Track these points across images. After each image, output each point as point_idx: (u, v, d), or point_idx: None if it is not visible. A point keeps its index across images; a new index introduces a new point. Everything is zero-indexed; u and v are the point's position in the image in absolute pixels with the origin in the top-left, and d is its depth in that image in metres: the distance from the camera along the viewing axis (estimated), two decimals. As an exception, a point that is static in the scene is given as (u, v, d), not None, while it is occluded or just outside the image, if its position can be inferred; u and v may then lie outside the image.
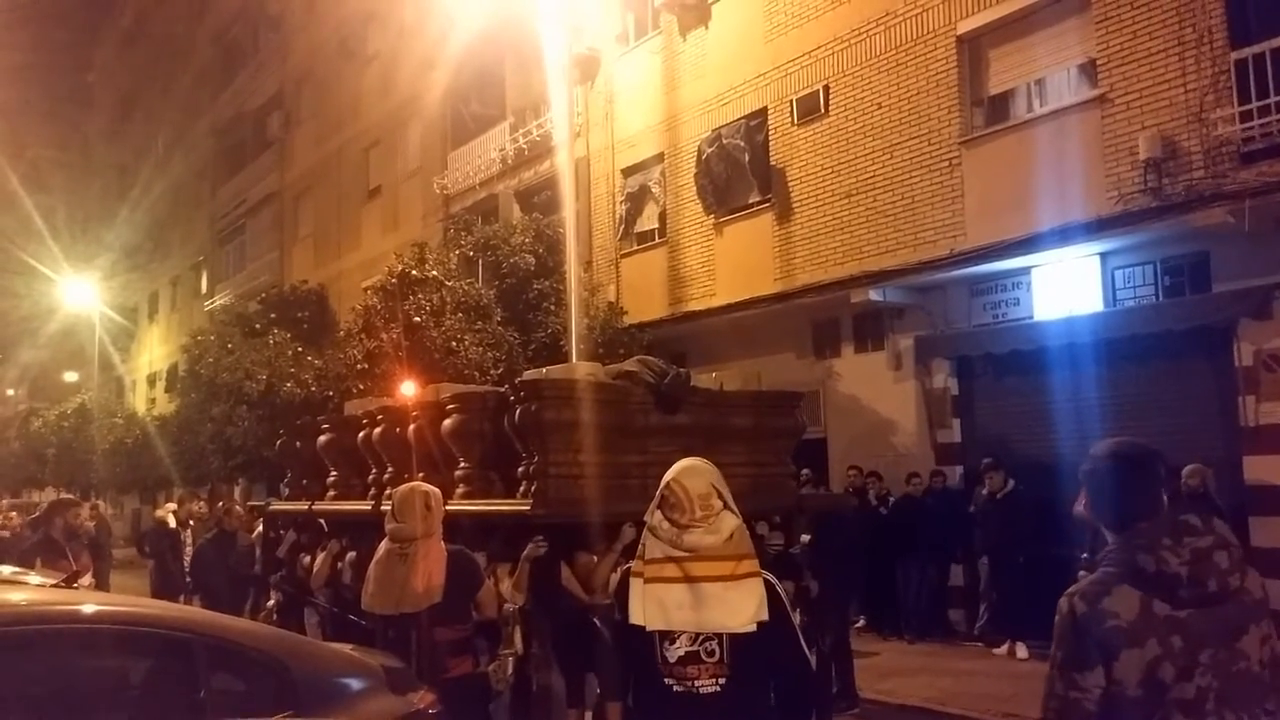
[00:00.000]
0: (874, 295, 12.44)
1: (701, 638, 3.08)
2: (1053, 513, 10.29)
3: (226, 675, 3.86)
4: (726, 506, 3.24)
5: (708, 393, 7.20)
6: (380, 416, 7.93)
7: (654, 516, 3.22)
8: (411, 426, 7.37)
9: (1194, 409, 10.11)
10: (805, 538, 7.65)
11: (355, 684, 4.15)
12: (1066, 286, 11.06)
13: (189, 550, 12.59)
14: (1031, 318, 11.42)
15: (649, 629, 3.11)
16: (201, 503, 14.97)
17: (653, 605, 3.12)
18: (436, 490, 5.19)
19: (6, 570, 6.68)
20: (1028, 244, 10.90)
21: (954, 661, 10.34)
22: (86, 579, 6.96)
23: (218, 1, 33.41)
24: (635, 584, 3.18)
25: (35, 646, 3.54)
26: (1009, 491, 10.65)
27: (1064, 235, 10.53)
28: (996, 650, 10.52)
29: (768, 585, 3.18)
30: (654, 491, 3.28)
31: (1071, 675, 2.34)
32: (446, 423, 6.92)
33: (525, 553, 5.76)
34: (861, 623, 11.98)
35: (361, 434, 8.03)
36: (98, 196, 44.61)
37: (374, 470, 8.05)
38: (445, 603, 4.86)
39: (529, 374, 7.33)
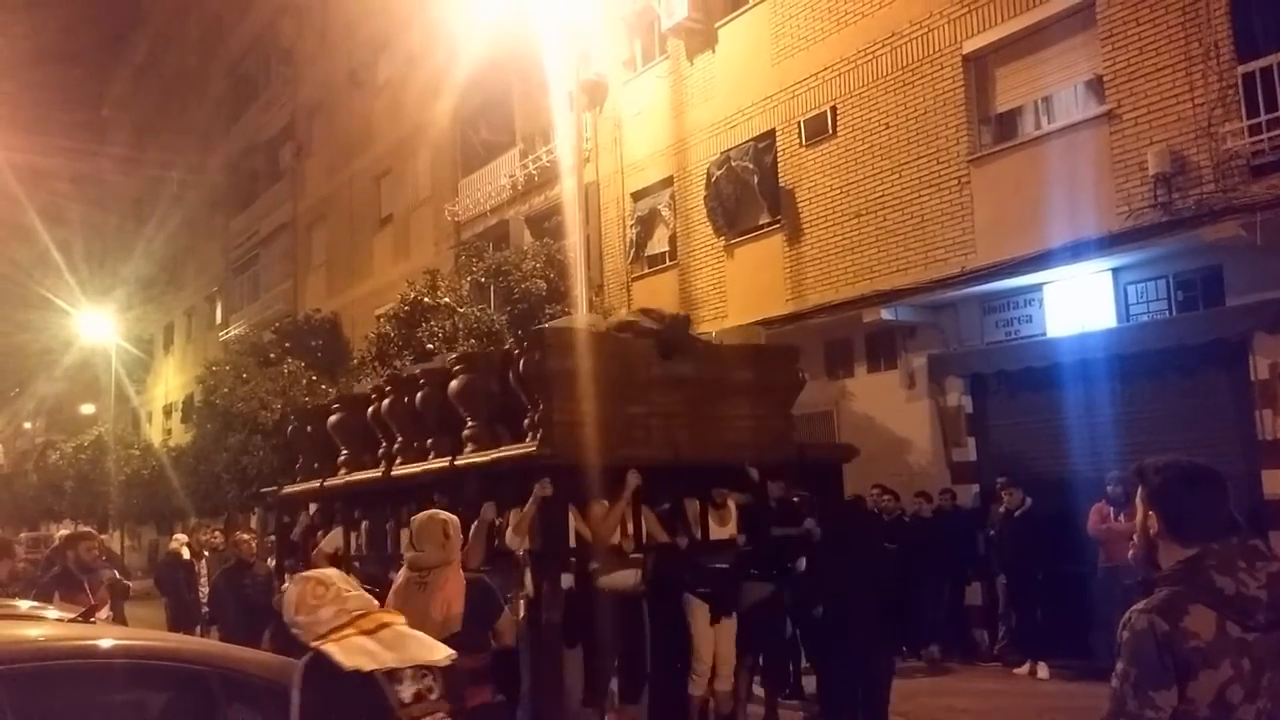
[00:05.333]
0: (886, 314, 12.42)
1: None
2: (1071, 530, 10.26)
3: (243, 708, 3.85)
4: None
5: (709, 345, 7.38)
6: (388, 388, 8.05)
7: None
8: (419, 394, 7.45)
9: (1209, 423, 10.03)
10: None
11: (372, 715, 4.14)
12: (1079, 302, 11.02)
13: (204, 581, 12.60)
14: (1044, 334, 11.38)
15: None
16: (217, 533, 14.99)
17: None
18: (454, 518, 5.19)
19: (24, 605, 6.69)
20: (1039, 261, 10.88)
21: (975, 682, 10.26)
22: (103, 612, 6.96)
23: (230, 35, 33.80)
24: None
25: (53, 682, 3.55)
26: (1026, 509, 10.57)
27: (1075, 251, 10.51)
28: (1017, 670, 10.43)
29: None
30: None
31: (1148, 694, 2.31)
32: (453, 384, 7.02)
33: (534, 492, 5.91)
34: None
35: (370, 408, 8.18)
36: (113, 230, 44.91)
37: (384, 443, 8.15)
38: (463, 632, 4.84)
39: (534, 328, 7.51)
